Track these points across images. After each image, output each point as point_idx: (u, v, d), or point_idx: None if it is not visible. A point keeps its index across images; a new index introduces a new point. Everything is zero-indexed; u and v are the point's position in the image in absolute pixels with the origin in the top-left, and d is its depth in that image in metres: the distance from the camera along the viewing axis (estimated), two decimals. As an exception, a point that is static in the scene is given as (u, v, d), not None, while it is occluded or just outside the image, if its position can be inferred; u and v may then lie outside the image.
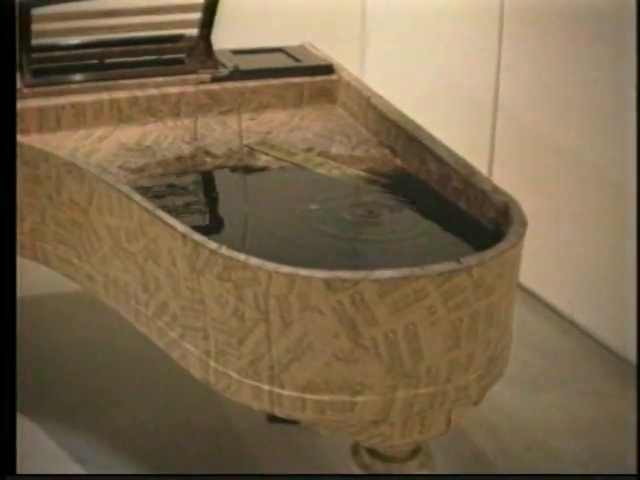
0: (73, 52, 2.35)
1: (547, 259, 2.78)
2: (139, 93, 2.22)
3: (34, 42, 2.28)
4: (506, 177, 2.64)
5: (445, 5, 3.03)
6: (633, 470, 2.13)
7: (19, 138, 1.99)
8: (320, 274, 1.47)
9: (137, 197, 1.69)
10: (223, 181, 2.00)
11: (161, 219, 1.62)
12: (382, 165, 2.02)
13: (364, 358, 1.52)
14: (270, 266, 1.49)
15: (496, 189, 1.75)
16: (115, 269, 1.82)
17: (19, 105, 2.15)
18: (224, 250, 1.53)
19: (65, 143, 2.09)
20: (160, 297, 1.70)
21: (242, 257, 1.51)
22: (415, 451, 1.67)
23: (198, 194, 1.98)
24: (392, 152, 2.06)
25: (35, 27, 2.27)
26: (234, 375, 1.60)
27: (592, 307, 2.75)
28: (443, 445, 1.84)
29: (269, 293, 1.50)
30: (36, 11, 2.26)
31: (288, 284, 1.48)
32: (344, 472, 1.78)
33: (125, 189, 1.72)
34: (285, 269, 1.48)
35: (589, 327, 2.76)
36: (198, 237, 1.56)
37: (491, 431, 2.25)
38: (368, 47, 3.41)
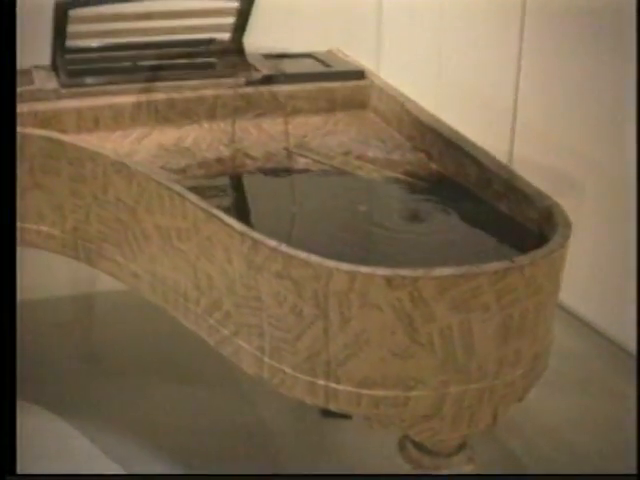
0: (107, 54, 2.40)
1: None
2: (176, 95, 2.26)
3: (70, 43, 2.33)
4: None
5: (464, 3, 3.06)
6: (633, 470, 2.16)
7: (61, 137, 2.03)
8: (381, 271, 1.51)
9: (191, 196, 1.72)
10: (265, 183, 2.04)
11: (218, 217, 1.66)
12: (419, 169, 2.07)
13: (419, 354, 1.56)
14: (331, 264, 1.53)
15: (539, 192, 1.80)
16: (163, 267, 1.85)
17: (57, 105, 2.20)
18: (284, 248, 1.57)
19: (104, 144, 2.13)
20: (212, 295, 1.74)
21: (303, 255, 1.55)
22: (461, 446, 1.72)
23: (242, 195, 2.02)
24: (428, 156, 2.11)
25: (71, 28, 2.31)
26: (289, 371, 1.64)
27: (605, 306, 2.83)
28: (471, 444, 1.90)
29: (329, 290, 1.54)
30: (72, 12, 2.30)
31: (349, 281, 1.52)
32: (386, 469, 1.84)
33: (178, 188, 1.75)
34: (346, 266, 1.52)
35: (602, 325, 2.84)
36: (257, 235, 1.60)
37: (518, 431, 2.30)
38: (383, 45, 3.45)
